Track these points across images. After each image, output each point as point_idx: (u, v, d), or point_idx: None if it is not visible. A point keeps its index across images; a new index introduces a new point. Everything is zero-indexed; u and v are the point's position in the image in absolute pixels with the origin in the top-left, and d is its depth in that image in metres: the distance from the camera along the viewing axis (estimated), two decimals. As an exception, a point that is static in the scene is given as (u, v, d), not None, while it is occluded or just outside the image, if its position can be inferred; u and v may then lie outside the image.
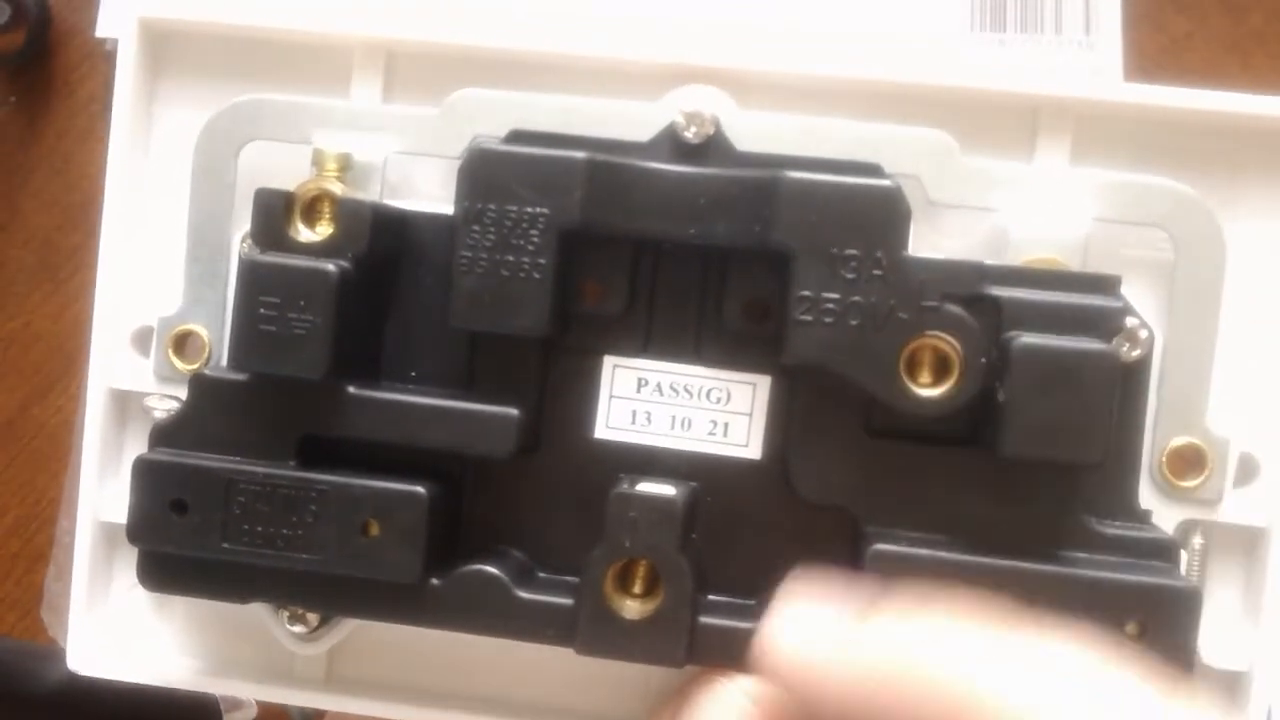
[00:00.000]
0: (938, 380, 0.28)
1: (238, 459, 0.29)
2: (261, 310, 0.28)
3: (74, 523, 0.33)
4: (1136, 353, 0.28)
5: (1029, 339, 0.27)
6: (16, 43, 0.54)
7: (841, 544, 0.30)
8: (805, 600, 0.27)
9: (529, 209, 0.28)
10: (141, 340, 0.32)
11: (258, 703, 0.52)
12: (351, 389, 0.29)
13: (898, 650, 0.25)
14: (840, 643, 0.26)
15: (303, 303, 0.28)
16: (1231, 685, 0.30)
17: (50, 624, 0.54)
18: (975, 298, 0.28)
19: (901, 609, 0.26)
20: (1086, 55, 0.50)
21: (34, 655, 0.55)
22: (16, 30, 0.54)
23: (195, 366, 0.32)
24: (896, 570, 0.28)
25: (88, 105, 0.55)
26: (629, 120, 0.30)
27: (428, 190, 0.31)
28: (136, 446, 0.33)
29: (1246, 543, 0.30)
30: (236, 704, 0.53)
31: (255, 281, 0.29)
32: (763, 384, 0.30)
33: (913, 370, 0.28)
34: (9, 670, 0.54)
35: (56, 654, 0.53)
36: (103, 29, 0.52)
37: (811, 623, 0.27)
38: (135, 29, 0.32)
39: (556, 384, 0.31)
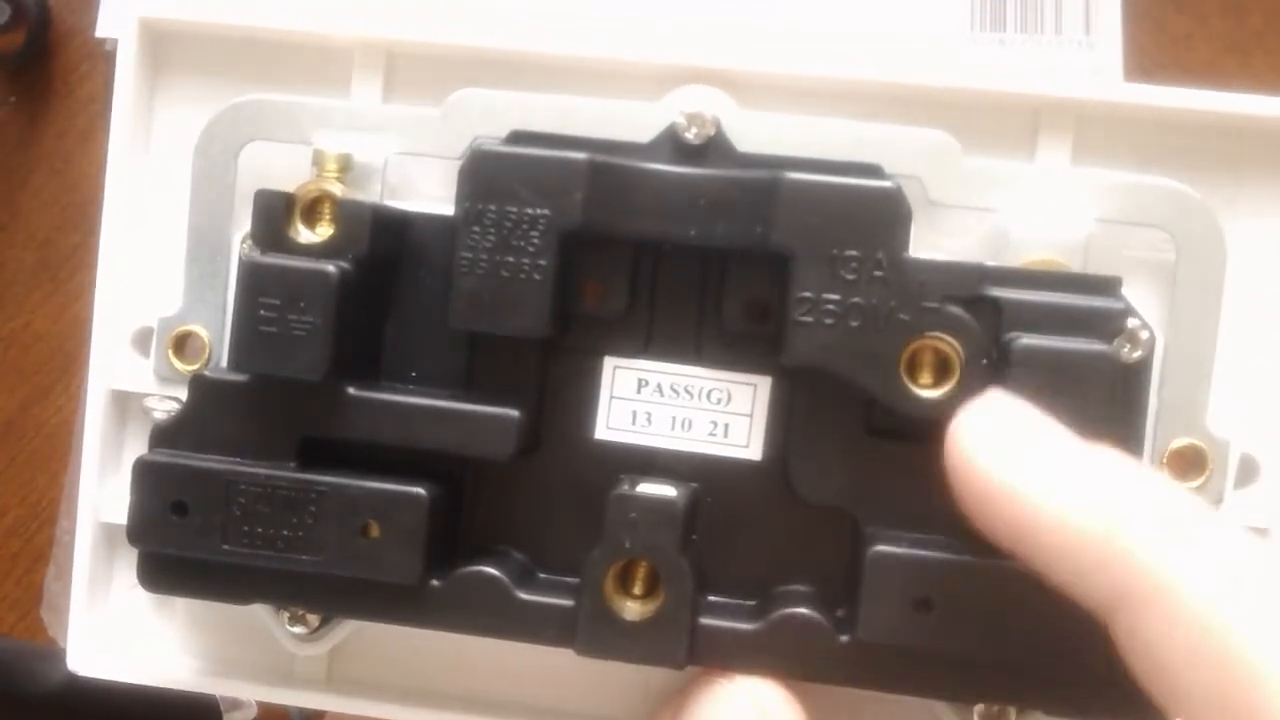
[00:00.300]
0: (938, 381, 0.28)
1: (238, 460, 0.29)
2: (262, 311, 0.28)
3: (74, 522, 0.33)
4: (1137, 354, 0.28)
5: (1030, 340, 0.27)
6: (16, 43, 0.54)
7: (841, 545, 0.30)
8: (1011, 407, 0.26)
9: (529, 210, 0.28)
10: (141, 341, 0.32)
11: (257, 703, 0.52)
12: (352, 390, 0.29)
13: (1117, 511, 0.23)
14: (1058, 473, 0.24)
15: (303, 304, 0.28)
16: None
17: (50, 624, 0.54)
18: (976, 299, 0.28)
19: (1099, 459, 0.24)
20: (1086, 55, 0.50)
21: (34, 655, 0.55)
22: (16, 30, 0.54)
23: (195, 367, 0.32)
24: (898, 572, 0.28)
25: (88, 105, 0.55)
26: (629, 121, 0.30)
27: (428, 191, 0.31)
28: (136, 447, 0.33)
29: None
30: (236, 704, 0.53)
31: (255, 283, 0.29)
32: (763, 385, 0.30)
33: (913, 371, 0.28)
34: (9, 670, 0.54)
35: (56, 654, 0.53)
36: (103, 29, 0.52)
37: (1024, 431, 0.25)
38: (135, 29, 0.32)
39: (557, 385, 0.31)
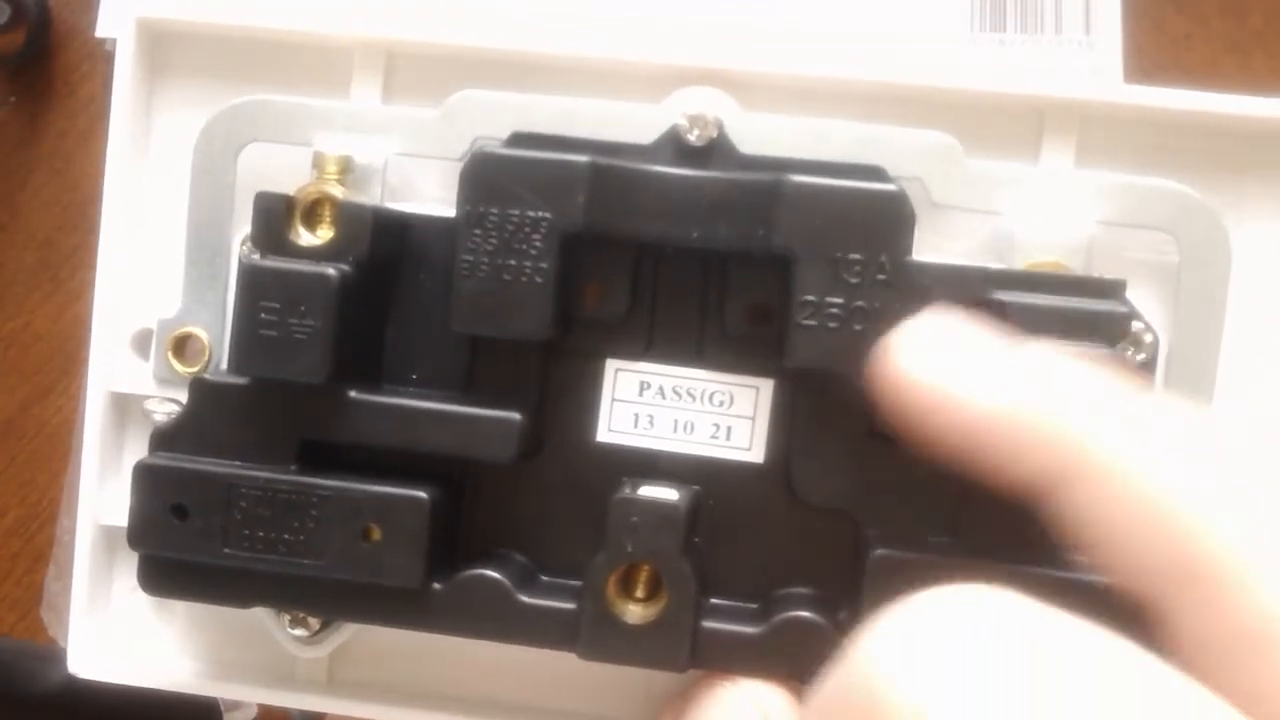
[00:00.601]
0: (942, 384, 0.28)
1: (238, 463, 0.29)
2: (262, 315, 0.28)
3: (74, 523, 0.33)
4: (1141, 356, 0.28)
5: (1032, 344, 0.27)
6: (16, 43, 0.54)
7: (843, 547, 0.30)
8: (942, 320, 0.26)
9: (531, 213, 0.28)
10: (141, 343, 0.32)
11: (258, 705, 0.52)
12: (352, 393, 0.29)
13: (1009, 390, 0.23)
14: (988, 369, 0.24)
15: (303, 307, 0.28)
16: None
17: (50, 624, 0.54)
18: (980, 302, 0.27)
19: (1023, 350, 0.24)
20: (1086, 55, 0.50)
21: (34, 655, 0.54)
22: (16, 30, 0.54)
23: (195, 369, 0.31)
24: (900, 575, 0.27)
25: (88, 105, 0.55)
26: (631, 122, 0.30)
27: (428, 192, 0.31)
28: (136, 449, 0.32)
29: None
30: (236, 704, 0.53)
31: (256, 286, 0.28)
32: (765, 387, 0.30)
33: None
34: (9, 670, 0.54)
35: (57, 654, 0.53)
36: (103, 29, 0.52)
37: (954, 339, 0.25)
38: (133, 29, 0.32)
39: (558, 387, 0.31)
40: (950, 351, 0.25)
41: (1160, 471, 0.22)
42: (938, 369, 0.24)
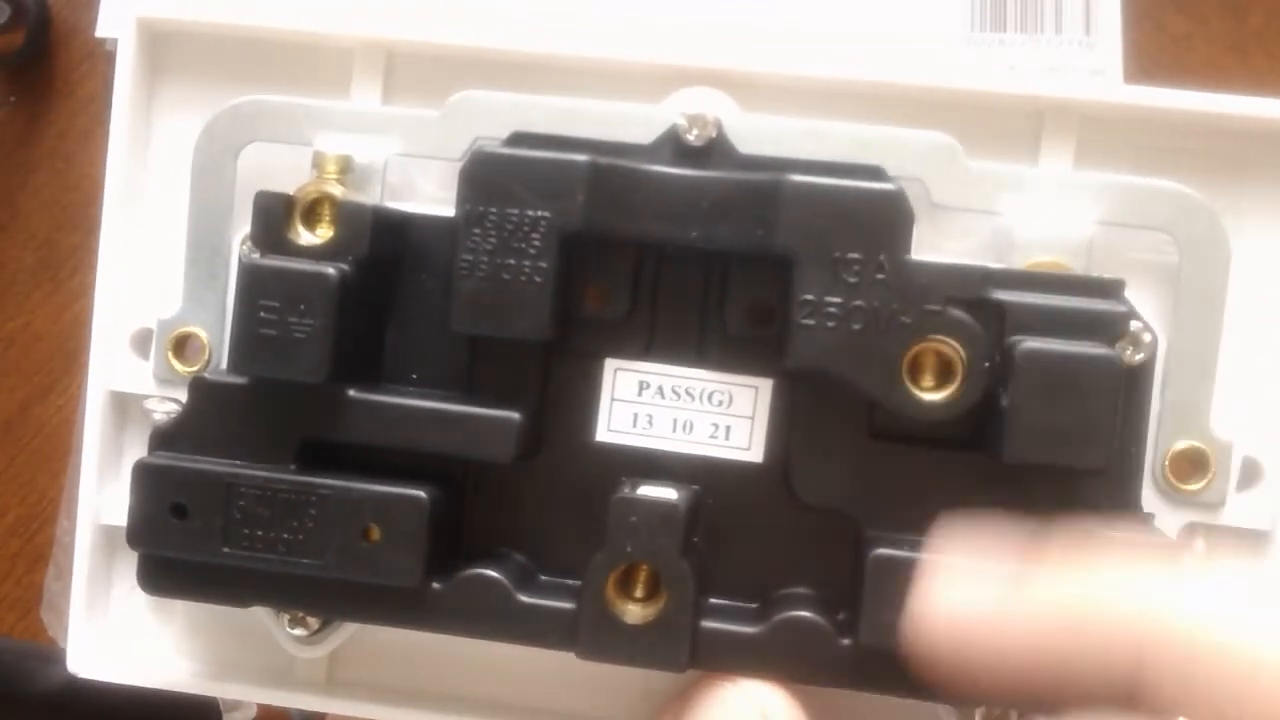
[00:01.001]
0: (940, 384, 0.28)
1: (238, 463, 0.29)
2: (262, 314, 0.28)
3: (74, 523, 0.33)
4: (1140, 356, 0.28)
5: (1033, 343, 0.27)
6: (16, 42, 0.54)
7: (843, 548, 0.30)
8: (954, 572, 0.26)
9: (530, 212, 0.28)
10: (141, 342, 0.32)
11: (257, 704, 0.52)
12: (352, 392, 0.29)
13: (1071, 600, 0.23)
14: (1006, 604, 0.24)
15: (303, 306, 0.28)
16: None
17: (50, 624, 0.54)
18: (979, 301, 0.27)
19: (1060, 561, 0.24)
20: (1086, 55, 0.50)
21: (34, 656, 0.54)
22: (16, 30, 0.54)
23: (195, 369, 0.31)
24: (899, 575, 0.28)
25: (88, 105, 0.55)
26: (631, 122, 0.30)
27: (428, 192, 0.31)
28: (136, 449, 0.32)
29: (1249, 546, 0.30)
30: (235, 704, 0.53)
31: (255, 285, 0.28)
32: (765, 387, 0.30)
33: (916, 374, 0.28)
34: (9, 671, 0.54)
35: (56, 654, 0.53)
36: (103, 29, 0.52)
37: (969, 592, 0.25)
38: (134, 29, 0.32)
39: (557, 387, 0.31)
40: (981, 608, 0.24)
41: (1243, 619, 0.22)
42: (976, 629, 0.24)
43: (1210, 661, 0.22)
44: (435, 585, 0.29)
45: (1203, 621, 0.22)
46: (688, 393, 0.30)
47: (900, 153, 0.29)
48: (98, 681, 0.33)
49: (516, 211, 0.28)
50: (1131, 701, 0.23)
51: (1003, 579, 0.24)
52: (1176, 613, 0.22)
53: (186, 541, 0.29)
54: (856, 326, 0.27)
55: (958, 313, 0.27)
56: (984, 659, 0.24)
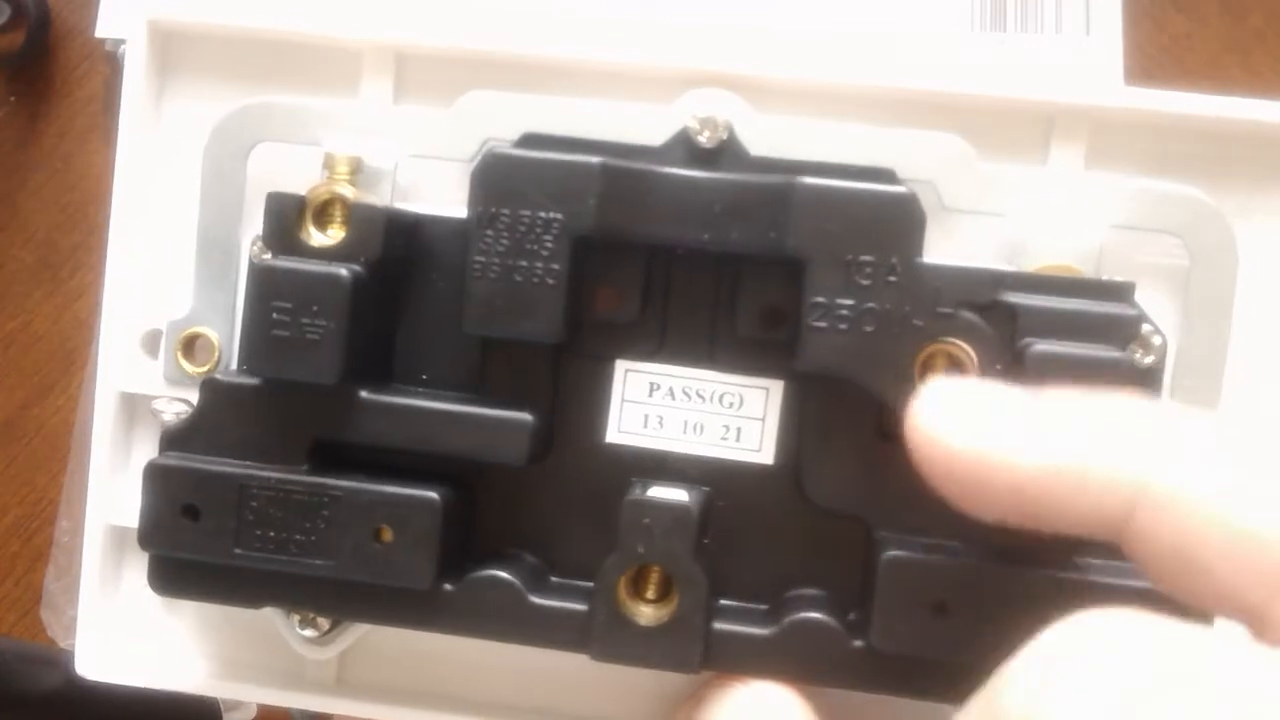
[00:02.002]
0: (952, 386, 0.28)
1: (250, 464, 0.29)
2: (274, 315, 0.28)
3: (74, 523, 0.33)
4: (1150, 359, 0.28)
5: (1044, 346, 0.27)
6: (16, 42, 0.54)
7: (854, 549, 0.30)
8: (957, 385, 0.25)
9: (543, 214, 0.28)
10: (150, 343, 0.32)
11: (258, 704, 0.52)
12: (364, 393, 0.29)
13: (1076, 448, 0.23)
14: (1024, 426, 0.24)
15: (316, 308, 0.28)
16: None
17: (49, 624, 0.54)
18: (990, 305, 0.28)
19: (1066, 407, 0.24)
20: (1086, 55, 0.50)
21: (33, 657, 0.54)
22: (16, 30, 0.54)
23: (205, 369, 0.31)
24: (912, 578, 0.28)
25: (88, 105, 0.55)
26: (642, 124, 0.30)
27: (439, 192, 0.31)
28: (144, 449, 0.32)
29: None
30: (235, 703, 0.53)
31: (268, 286, 0.28)
32: (775, 389, 0.30)
33: (927, 376, 0.28)
34: (8, 671, 0.54)
35: (55, 655, 0.53)
36: (102, 29, 0.52)
37: (978, 400, 0.25)
38: (143, 30, 0.32)
39: (568, 388, 0.31)
40: (981, 416, 0.24)
41: (1229, 491, 0.22)
42: (975, 436, 0.24)
43: (1195, 527, 0.22)
44: (447, 586, 0.29)
45: (1195, 488, 0.22)
46: (698, 394, 0.30)
47: (912, 155, 0.29)
48: (97, 682, 0.33)
49: (529, 213, 0.28)
50: (1117, 539, 0.23)
51: (1009, 412, 0.24)
52: (1172, 475, 0.22)
53: (198, 542, 0.29)
54: (869, 329, 0.28)
55: (970, 316, 0.27)
56: (978, 486, 0.24)
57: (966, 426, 0.24)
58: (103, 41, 0.53)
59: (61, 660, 0.52)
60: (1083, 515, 0.23)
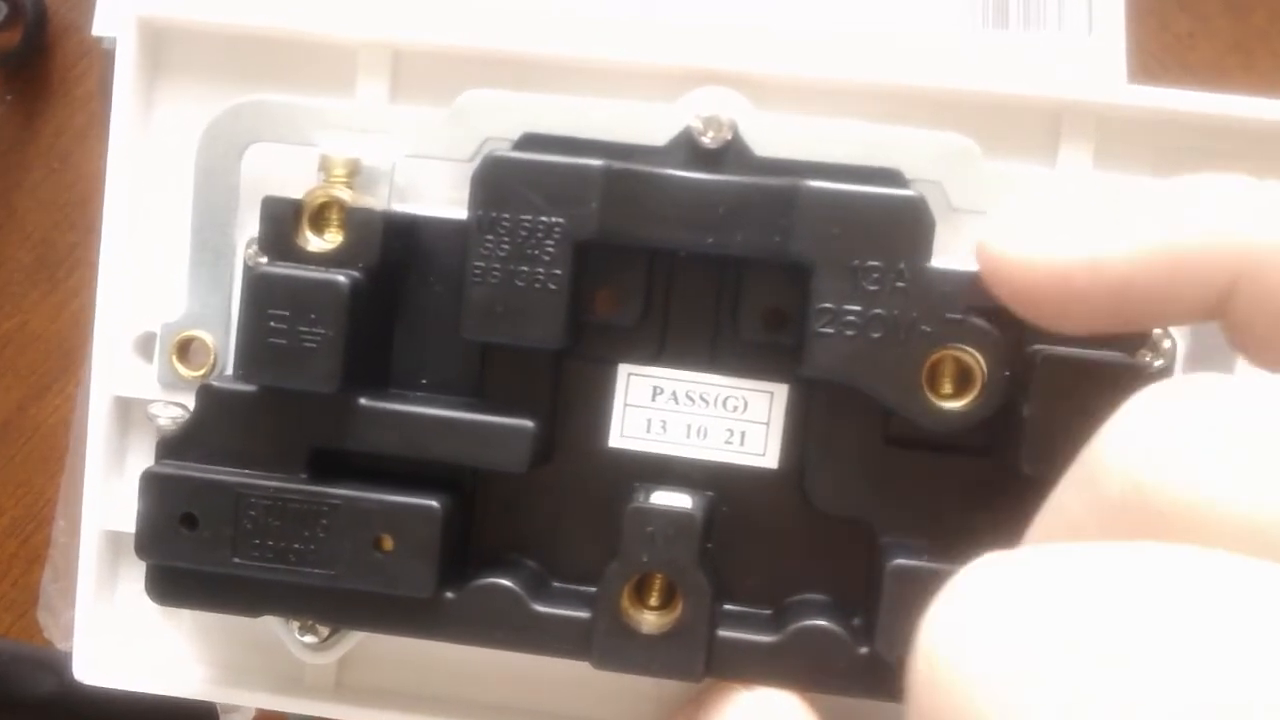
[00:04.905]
0: (959, 391, 0.27)
1: (247, 472, 0.29)
2: (271, 323, 0.28)
3: (71, 524, 0.32)
4: (1160, 363, 0.28)
5: (1053, 351, 0.27)
6: (13, 40, 0.54)
7: (859, 555, 0.30)
8: (1025, 208, 0.24)
9: (544, 219, 0.28)
10: (144, 347, 0.32)
11: (263, 709, 0.52)
12: (363, 401, 0.29)
13: (1170, 214, 0.22)
14: (1106, 222, 0.23)
15: (313, 315, 0.28)
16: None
17: (47, 626, 0.54)
18: (999, 309, 0.27)
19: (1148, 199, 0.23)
20: (1089, 53, 0.50)
21: (30, 659, 0.54)
22: (13, 28, 0.54)
23: (200, 373, 0.31)
24: (918, 586, 0.27)
25: (85, 103, 0.55)
26: (644, 123, 0.29)
27: (437, 193, 0.31)
28: (139, 453, 0.32)
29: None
30: (233, 708, 0.53)
31: (264, 294, 0.28)
32: (780, 393, 0.30)
33: (934, 381, 0.27)
34: (4, 673, 0.54)
35: (52, 657, 0.52)
36: (99, 27, 0.52)
37: (1048, 209, 0.23)
38: (134, 28, 0.31)
39: (570, 392, 0.30)
40: (1056, 222, 0.23)
41: None
42: (1056, 242, 0.23)
43: None
44: (448, 594, 0.29)
45: None
46: (702, 398, 0.30)
47: (918, 155, 0.29)
48: (94, 686, 0.32)
49: (529, 218, 0.28)
50: (1218, 317, 0.22)
51: (1081, 220, 0.23)
52: (1275, 234, 0.21)
53: (196, 552, 0.29)
54: (875, 335, 0.27)
55: (979, 322, 0.27)
56: (1074, 299, 0.23)
57: (1043, 235, 0.23)
58: (99, 39, 0.53)
59: (59, 663, 0.52)
60: (1183, 299, 0.22)
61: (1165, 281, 0.22)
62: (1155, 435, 0.18)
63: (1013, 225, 0.24)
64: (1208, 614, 0.16)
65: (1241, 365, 0.29)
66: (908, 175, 0.29)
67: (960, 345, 0.27)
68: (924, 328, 0.27)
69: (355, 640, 0.32)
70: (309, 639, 0.31)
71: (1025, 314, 0.24)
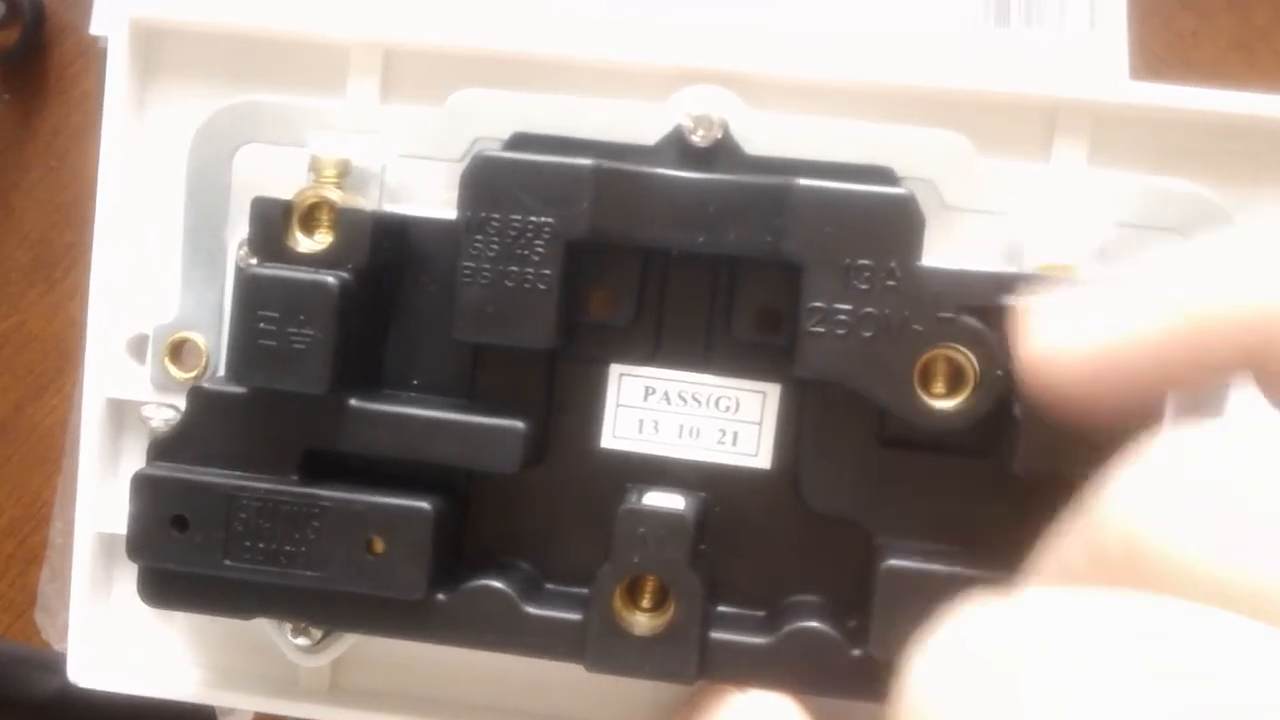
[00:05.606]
0: (952, 391, 0.27)
1: (239, 474, 0.29)
2: (261, 324, 0.28)
3: (68, 525, 0.32)
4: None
5: None
6: (10, 39, 0.54)
7: (852, 555, 0.29)
8: (1060, 307, 0.24)
9: (534, 219, 0.28)
10: (137, 348, 0.32)
11: (258, 712, 0.52)
12: (354, 402, 0.29)
13: (1191, 302, 0.22)
14: (1121, 323, 0.23)
15: (303, 316, 0.28)
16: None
17: (44, 627, 0.54)
18: (992, 308, 0.27)
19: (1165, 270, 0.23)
20: (1091, 51, 0.50)
21: (28, 661, 0.54)
22: (10, 27, 0.53)
23: (192, 375, 0.31)
24: (912, 587, 0.27)
25: (82, 103, 0.55)
26: (635, 122, 0.29)
27: (428, 193, 0.31)
28: (133, 454, 0.32)
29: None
30: (229, 710, 0.53)
31: (254, 294, 0.28)
32: (772, 392, 0.30)
33: (926, 381, 0.27)
34: (2, 676, 0.54)
35: (50, 659, 0.52)
36: (97, 26, 0.51)
37: (1083, 322, 0.24)
38: (125, 28, 0.31)
39: (561, 393, 0.30)
40: (1087, 309, 0.24)
41: None
42: (1092, 328, 0.23)
43: None
44: (440, 596, 0.29)
45: None
46: (694, 398, 0.30)
47: (911, 153, 0.29)
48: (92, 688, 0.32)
49: (520, 218, 0.28)
50: (1255, 369, 0.22)
51: (1108, 301, 0.23)
52: None
53: (188, 554, 0.29)
54: (867, 334, 0.27)
55: (971, 321, 0.27)
56: (1109, 381, 0.23)
57: (1079, 324, 0.23)
58: (97, 39, 0.53)
59: (57, 665, 0.52)
60: (1223, 359, 0.22)
61: (1206, 346, 0.23)
62: (1148, 494, 0.19)
63: (1048, 322, 0.24)
64: (1182, 668, 0.17)
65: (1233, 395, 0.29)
66: (900, 173, 0.28)
67: (953, 344, 0.27)
68: (916, 327, 0.27)
69: (349, 643, 0.31)
70: (302, 641, 0.31)
71: (1071, 409, 0.24)
